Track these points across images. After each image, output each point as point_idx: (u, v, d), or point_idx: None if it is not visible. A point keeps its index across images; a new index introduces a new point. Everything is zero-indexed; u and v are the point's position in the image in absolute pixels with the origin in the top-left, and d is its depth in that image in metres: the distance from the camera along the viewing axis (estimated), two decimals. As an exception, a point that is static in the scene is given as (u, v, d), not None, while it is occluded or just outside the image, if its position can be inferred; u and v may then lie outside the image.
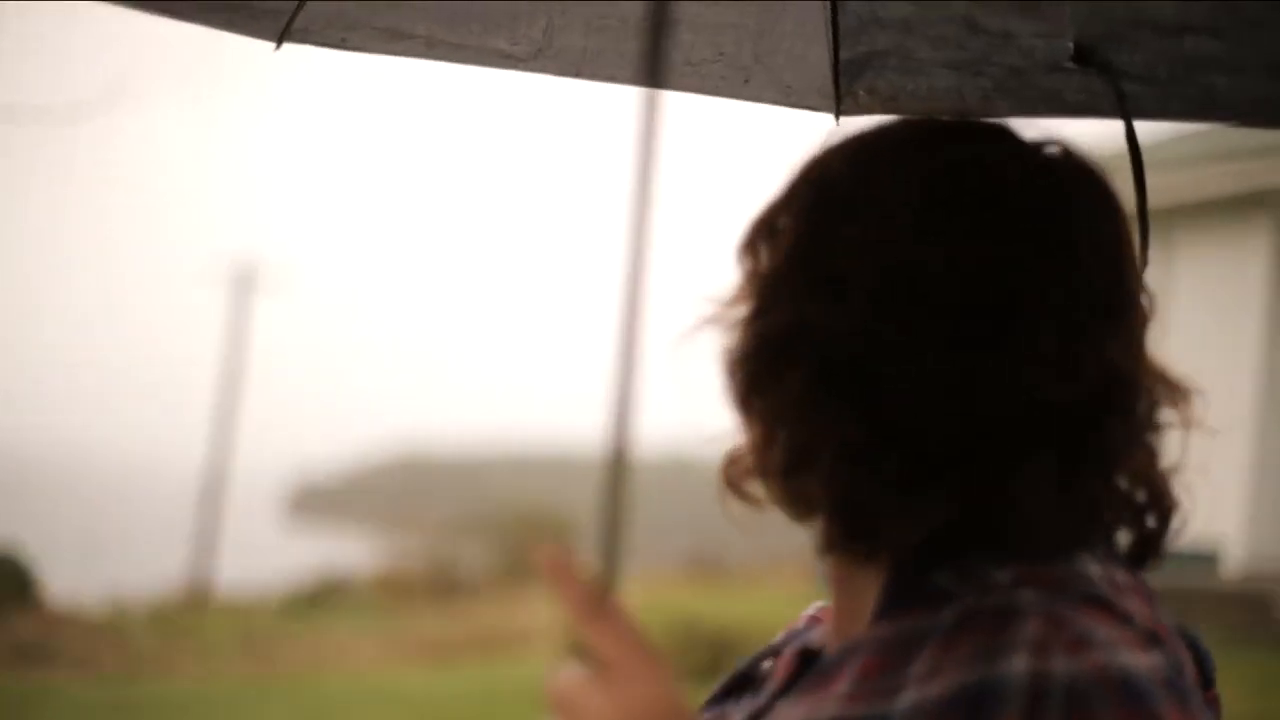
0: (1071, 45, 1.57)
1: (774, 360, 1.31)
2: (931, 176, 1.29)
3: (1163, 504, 1.34)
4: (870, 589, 1.31)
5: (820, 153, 1.36)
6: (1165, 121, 1.65)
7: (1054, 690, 1.16)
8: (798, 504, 1.32)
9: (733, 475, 1.38)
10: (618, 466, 1.08)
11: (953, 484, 1.27)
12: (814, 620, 1.49)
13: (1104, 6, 1.53)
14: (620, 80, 1.70)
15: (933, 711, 1.19)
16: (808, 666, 1.38)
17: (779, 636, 1.50)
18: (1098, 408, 1.28)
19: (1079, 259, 1.29)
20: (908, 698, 1.21)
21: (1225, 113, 1.68)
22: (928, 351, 1.26)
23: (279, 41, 1.70)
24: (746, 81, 1.73)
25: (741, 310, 1.35)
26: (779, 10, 1.68)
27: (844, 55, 1.69)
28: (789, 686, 1.37)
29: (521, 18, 1.65)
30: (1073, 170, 1.33)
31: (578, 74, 1.68)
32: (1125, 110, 1.58)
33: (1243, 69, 1.54)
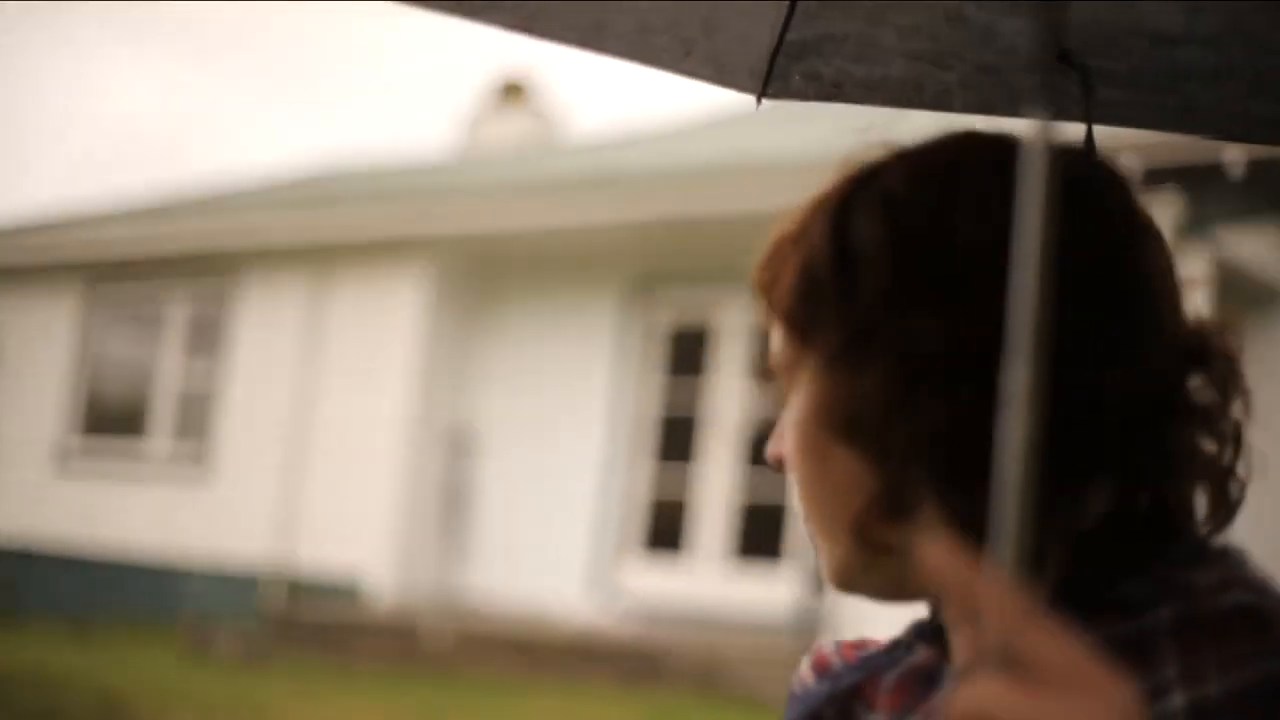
0: (1059, 47, 1.53)
1: (913, 385, 1.21)
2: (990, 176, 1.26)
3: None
4: None
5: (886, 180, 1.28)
6: (1144, 129, 1.64)
7: None
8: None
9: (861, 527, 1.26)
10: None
11: (1102, 483, 1.22)
12: (855, 650, 1.42)
13: (1106, 8, 1.51)
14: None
15: (1223, 705, 1.14)
16: (927, 687, 1.30)
17: (812, 681, 1.42)
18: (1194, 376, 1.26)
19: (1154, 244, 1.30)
20: (1180, 699, 1.15)
21: (1205, 125, 1.69)
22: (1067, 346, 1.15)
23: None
24: (688, 54, 1.59)
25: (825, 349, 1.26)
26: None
27: (791, 36, 1.57)
28: (908, 709, 1.29)
29: None
30: (1108, 164, 1.34)
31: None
32: (1090, 115, 1.55)
33: (1228, 82, 1.56)
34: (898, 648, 1.38)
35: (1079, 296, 1.20)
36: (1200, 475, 1.26)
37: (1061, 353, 1.11)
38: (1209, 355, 1.26)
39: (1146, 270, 1.27)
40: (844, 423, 1.24)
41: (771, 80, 1.63)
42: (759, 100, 1.65)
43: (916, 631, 1.38)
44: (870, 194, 1.27)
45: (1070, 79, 1.53)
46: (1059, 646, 0.91)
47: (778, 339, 1.31)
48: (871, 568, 1.27)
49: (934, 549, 0.90)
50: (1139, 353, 1.22)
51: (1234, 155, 10.66)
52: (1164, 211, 10.37)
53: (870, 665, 1.38)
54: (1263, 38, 1.53)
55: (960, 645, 1.27)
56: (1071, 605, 1.19)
